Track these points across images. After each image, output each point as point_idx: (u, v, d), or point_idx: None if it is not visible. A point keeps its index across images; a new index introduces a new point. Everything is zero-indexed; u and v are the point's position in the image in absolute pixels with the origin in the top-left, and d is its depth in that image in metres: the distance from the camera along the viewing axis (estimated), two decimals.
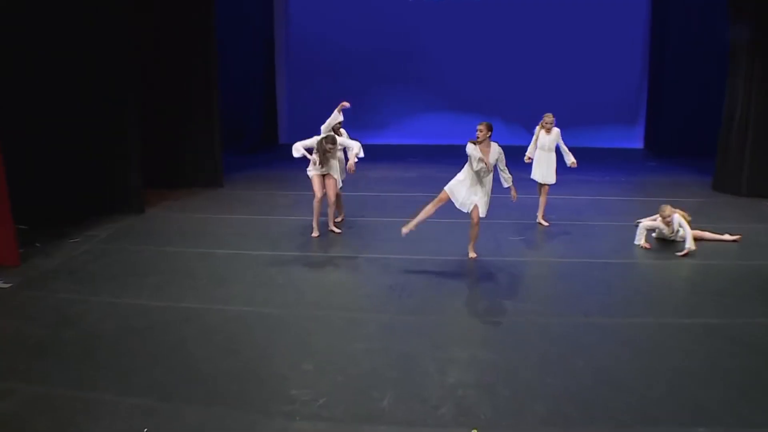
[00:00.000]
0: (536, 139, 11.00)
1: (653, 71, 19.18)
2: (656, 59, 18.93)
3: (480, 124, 8.88)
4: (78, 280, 8.35)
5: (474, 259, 9.23)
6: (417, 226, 9.10)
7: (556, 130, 10.92)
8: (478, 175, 8.80)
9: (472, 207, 8.90)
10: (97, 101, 11.12)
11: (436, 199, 9.04)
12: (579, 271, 8.93)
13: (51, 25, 10.39)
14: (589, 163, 11.18)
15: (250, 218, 11.43)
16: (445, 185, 9.04)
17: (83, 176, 11.08)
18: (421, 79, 19.58)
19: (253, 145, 18.86)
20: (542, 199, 11.08)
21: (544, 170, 10.91)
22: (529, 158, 11.06)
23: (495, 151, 8.83)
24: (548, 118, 10.93)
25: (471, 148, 8.73)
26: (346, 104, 10.71)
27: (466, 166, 8.91)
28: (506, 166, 9.05)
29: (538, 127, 11.02)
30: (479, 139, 8.80)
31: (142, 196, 11.89)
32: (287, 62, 20.38)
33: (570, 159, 10.88)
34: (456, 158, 9.36)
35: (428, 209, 9.08)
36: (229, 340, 6.65)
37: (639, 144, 20.02)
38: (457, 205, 8.98)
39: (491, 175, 8.93)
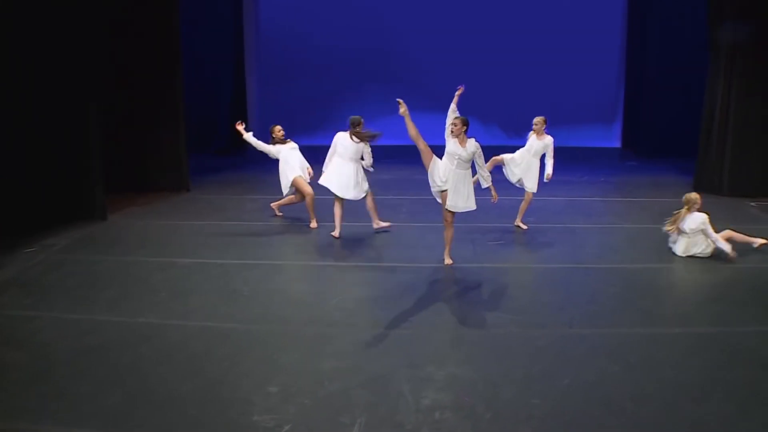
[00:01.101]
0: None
1: (631, 69, 18.99)
2: (634, 57, 18.74)
3: (455, 118, 8.49)
4: (30, 294, 7.80)
5: (450, 266, 8.80)
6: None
7: (549, 139, 10.42)
8: (455, 167, 8.42)
9: (440, 189, 8.51)
10: (55, 102, 10.52)
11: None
12: (561, 277, 8.53)
13: (4, 26, 9.82)
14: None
15: (217, 224, 10.92)
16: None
17: (41, 181, 10.44)
18: (397, 78, 19.14)
19: (223, 148, 18.34)
20: (523, 205, 10.68)
21: (517, 173, 10.50)
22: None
23: (471, 146, 8.42)
24: (536, 120, 10.49)
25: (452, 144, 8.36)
26: None
27: (445, 159, 8.52)
28: (485, 164, 8.70)
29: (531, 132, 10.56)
30: (454, 134, 8.42)
31: (105, 202, 11.33)
32: (257, 61, 19.88)
33: (548, 171, 10.47)
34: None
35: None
36: (188, 359, 6.16)
37: (616, 143, 19.82)
38: (437, 183, 8.51)
39: (468, 171, 8.53)
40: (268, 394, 5.51)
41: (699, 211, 9.18)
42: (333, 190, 9.86)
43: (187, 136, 13.87)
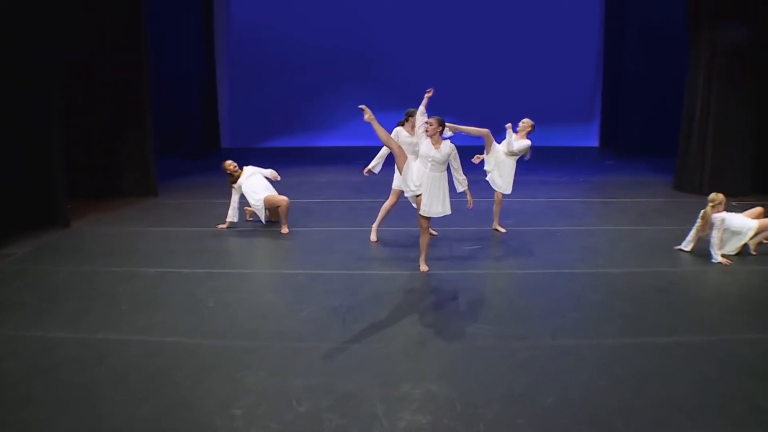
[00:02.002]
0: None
1: (609, 68, 18.81)
2: (612, 56, 18.54)
3: (430, 117, 8.15)
4: None
5: (426, 273, 8.42)
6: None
7: (526, 141, 10.06)
8: (428, 170, 8.07)
9: (415, 193, 8.15)
10: (15, 103, 10.04)
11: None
12: (543, 283, 8.17)
13: None
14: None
15: (184, 230, 10.50)
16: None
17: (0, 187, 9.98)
18: (373, 77, 18.88)
19: (193, 150, 17.87)
20: (495, 207, 10.33)
21: (494, 174, 10.15)
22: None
23: (446, 147, 8.07)
24: (526, 121, 10.21)
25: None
26: None
27: (419, 162, 8.17)
28: (461, 167, 8.31)
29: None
30: (428, 133, 8.06)
31: (68, 208, 10.89)
32: (229, 60, 19.43)
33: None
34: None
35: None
36: (148, 379, 5.73)
37: (594, 142, 19.63)
38: (411, 187, 8.17)
39: (444, 174, 8.16)
40: (232, 418, 5.10)
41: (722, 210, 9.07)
42: None
43: (156, 138, 13.42)
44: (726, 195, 11.94)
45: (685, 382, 5.65)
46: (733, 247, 9.05)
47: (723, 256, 8.86)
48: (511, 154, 10.00)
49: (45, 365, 5.98)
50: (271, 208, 10.47)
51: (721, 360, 6.07)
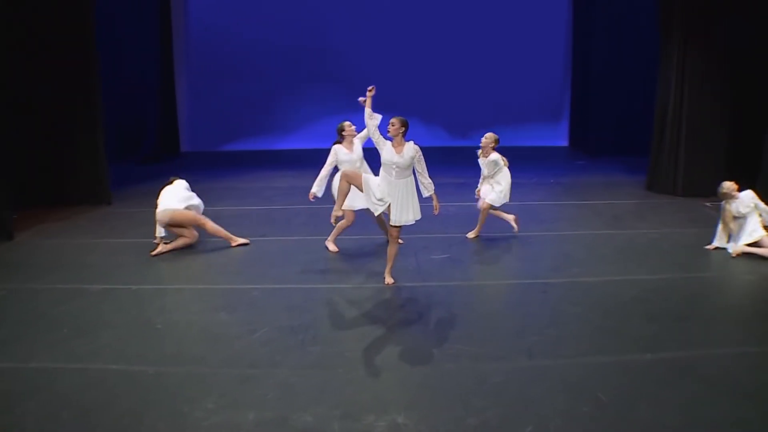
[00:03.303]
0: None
1: (577, 66, 18.45)
2: (580, 54, 18.19)
3: (393, 117, 7.56)
4: None
5: (391, 286, 7.89)
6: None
7: (494, 155, 9.61)
8: (394, 177, 7.54)
9: (384, 208, 7.62)
10: None
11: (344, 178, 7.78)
12: (516, 296, 7.69)
13: None
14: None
15: (137, 243, 9.78)
16: (357, 193, 7.83)
17: None
18: (336, 78, 18.34)
19: (150, 155, 17.19)
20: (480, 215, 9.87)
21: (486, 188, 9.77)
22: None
23: (410, 150, 7.50)
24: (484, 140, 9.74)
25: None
26: None
27: (381, 171, 7.64)
28: (426, 170, 7.71)
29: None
30: (390, 133, 7.52)
31: (12, 219, 10.24)
32: (187, 61, 18.75)
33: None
34: (373, 162, 7.88)
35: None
36: (83, 415, 5.13)
37: (564, 142, 19.30)
38: (375, 201, 7.63)
39: (410, 178, 7.63)
40: None
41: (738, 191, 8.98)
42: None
43: (110, 143, 12.77)
44: (701, 196, 11.76)
45: (672, 405, 5.20)
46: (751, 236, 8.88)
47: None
48: (490, 176, 9.61)
49: None
50: (176, 226, 9.45)
51: (708, 378, 5.64)
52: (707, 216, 11.04)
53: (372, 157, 8.47)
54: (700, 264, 8.71)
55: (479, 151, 9.73)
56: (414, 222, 7.71)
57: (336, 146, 9.05)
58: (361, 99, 7.89)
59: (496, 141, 9.66)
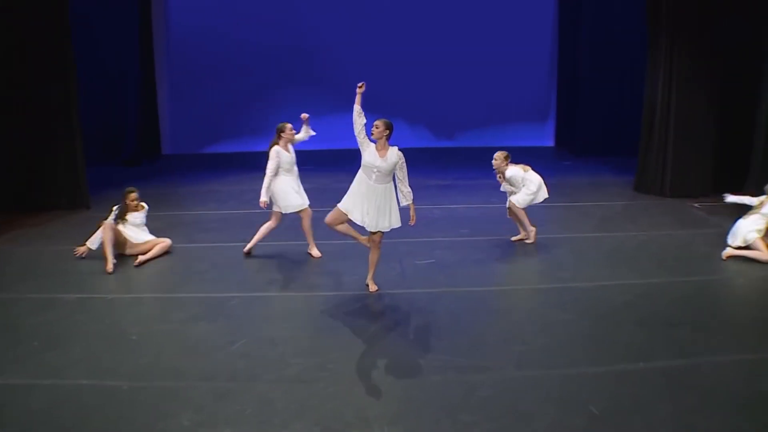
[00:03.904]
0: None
1: (563, 65, 18.24)
2: (567, 53, 18.00)
3: (378, 120, 7.29)
4: None
5: (374, 293, 7.66)
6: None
7: (509, 172, 9.44)
8: (373, 181, 7.30)
9: (367, 224, 7.39)
10: None
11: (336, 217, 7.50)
12: (504, 302, 7.48)
13: None
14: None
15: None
16: (340, 195, 7.54)
17: None
18: (317, 78, 18.04)
19: (131, 157, 16.86)
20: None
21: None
22: None
23: (393, 155, 7.26)
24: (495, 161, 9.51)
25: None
26: None
27: (361, 173, 7.40)
28: (407, 177, 7.43)
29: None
30: (374, 136, 7.27)
31: None
32: (168, 62, 18.41)
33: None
34: (354, 165, 7.63)
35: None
36: None
37: (550, 142, 19.07)
38: (357, 218, 7.40)
39: (390, 184, 7.38)
40: None
41: None
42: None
43: (90, 145, 12.45)
44: (689, 197, 11.62)
45: (667, 418, 5.03)
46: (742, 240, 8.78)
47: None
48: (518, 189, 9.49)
49: None
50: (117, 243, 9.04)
51: (703, 389, 5.48)
52: (696, 218, 10.91)
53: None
54: (690, 267, 8.54)
55: (498, 177, 9.51)
56: (390, 230, 7.49)
57: (277, 148, 8.96)
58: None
59: (507, 157, 9.45)
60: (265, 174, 8.76)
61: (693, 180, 12.27)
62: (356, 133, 7.38)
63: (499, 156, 9.43)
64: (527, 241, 9.57)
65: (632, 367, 5.84)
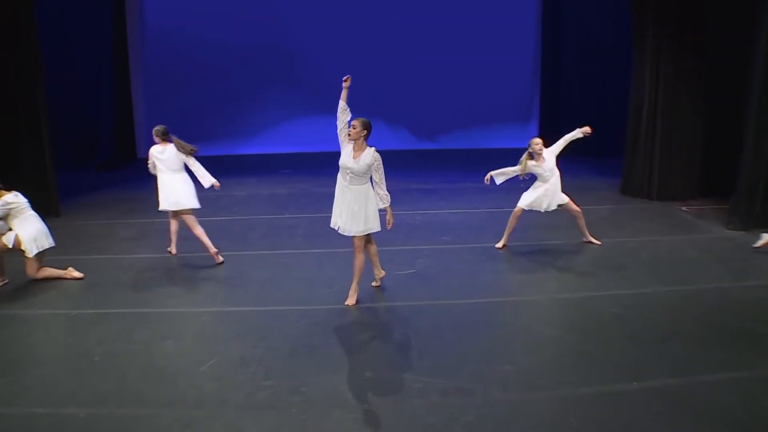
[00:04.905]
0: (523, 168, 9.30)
1: (547, 66, 17.97)
2: (550, 53, 17.73)
3: (355, 119, 6.96)
4: None
5: (353, 308, 7.28)
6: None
7: (547, 152, 9.32)
8: (347, 183, 7.03)
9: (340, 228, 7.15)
10: None
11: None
12: (488, 317, 7.10)
13: None
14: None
15: (82, 259, 8.99)
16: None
17: None
18: (297, 80, 17.72)
19: (106, 162, 16.42)
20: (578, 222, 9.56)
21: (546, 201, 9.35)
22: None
23: (368, 156, 6.93)
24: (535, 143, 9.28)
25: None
26: None
27: (339, 176, 7.11)
28: (384, 180, 7.10)
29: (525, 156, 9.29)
30: (351, 137, 6.93)
31: None
32: (143, 64, 17.98)
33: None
34: (335, 168, 7.26)
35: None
36: None
37: None
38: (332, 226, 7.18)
39: (367, 186, 7.05)
40: None
41: None
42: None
43: (62, 149, 11.99)
44: (676, 200, 11.36)
45: None
46: None
47: None
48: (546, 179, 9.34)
49: None
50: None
51: (698, 410, 5.18)
52: (685, 221, 10.63)
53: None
54: (681, 275, 8.22)
55: (533, 162, 9.28)
56: (365, 233, 7.16)
57: (160, 148, 9.20)
58: None
59: (539, 143, 9.33)
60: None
61: (680, 183, 12.05)
62: (338, 131, 7.05)
63: (538, 141, 9.29)
64: (496, 246, 9.31)
65: (624, 387, 5.51)
